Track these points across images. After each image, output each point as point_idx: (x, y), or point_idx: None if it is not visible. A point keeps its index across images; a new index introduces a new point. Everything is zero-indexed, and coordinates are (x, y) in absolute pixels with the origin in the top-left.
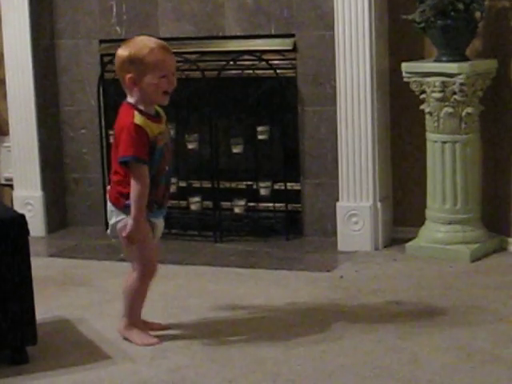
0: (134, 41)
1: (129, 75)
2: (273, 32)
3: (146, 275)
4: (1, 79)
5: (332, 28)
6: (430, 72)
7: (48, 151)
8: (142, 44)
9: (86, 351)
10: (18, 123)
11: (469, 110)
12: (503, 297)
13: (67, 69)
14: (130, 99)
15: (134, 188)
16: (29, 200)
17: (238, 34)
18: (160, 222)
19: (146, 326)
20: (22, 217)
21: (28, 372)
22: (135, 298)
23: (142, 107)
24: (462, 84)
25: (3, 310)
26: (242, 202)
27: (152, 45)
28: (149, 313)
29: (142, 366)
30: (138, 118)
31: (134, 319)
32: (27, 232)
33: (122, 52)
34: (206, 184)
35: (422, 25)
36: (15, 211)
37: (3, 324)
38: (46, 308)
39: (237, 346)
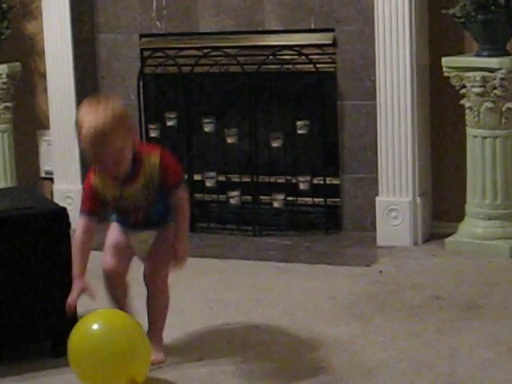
0: None
1: None
2: (312, 26)
3: None
4: (42, 73)
5: (372, 22)
6: (471, 67)
7: None
8: None
9: None
10: (58, 117)
11: (509, 104)
12: None
13: (107, 63)
14: None
15: None
16: (69, 193)
17: (278, 28)
18: (132, 236)
19: None
20: (64, 210)
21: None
22: None
23: None
24: (502, 79)
25: (45, 302)
26: (281, 197)
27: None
28: (189, 306)
29: (176, 357)
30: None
31: None
32: (69, 225)
33: None
34: (246, 178)
35: (463, 19)
36: (57, 204)
37: (45, 316)
38: (86, 301)
39: (275, 339)
